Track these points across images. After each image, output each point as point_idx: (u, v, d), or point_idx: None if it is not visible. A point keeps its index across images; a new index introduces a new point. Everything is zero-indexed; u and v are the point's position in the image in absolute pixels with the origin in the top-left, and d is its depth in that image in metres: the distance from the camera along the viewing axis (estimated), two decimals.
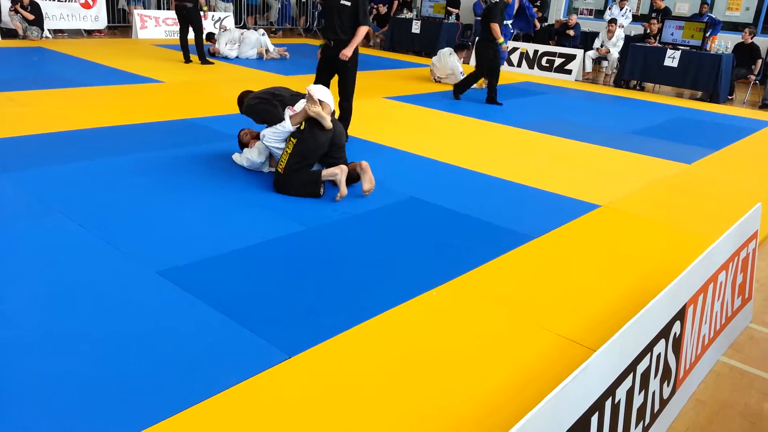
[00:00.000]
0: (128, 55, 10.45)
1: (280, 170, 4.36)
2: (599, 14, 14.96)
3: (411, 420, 2.23)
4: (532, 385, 2.47)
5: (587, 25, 14.20)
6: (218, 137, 5.77)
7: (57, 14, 12.41)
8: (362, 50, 13.62)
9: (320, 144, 4.33)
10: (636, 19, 13.83)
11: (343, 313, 2.88)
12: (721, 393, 2.62)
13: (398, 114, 7.54)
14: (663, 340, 2.10)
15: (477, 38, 9.01)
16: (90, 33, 13.08)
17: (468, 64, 11.94)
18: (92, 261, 3.21)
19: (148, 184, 4.40)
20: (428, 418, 2.25)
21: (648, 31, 11.44)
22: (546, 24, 14.36)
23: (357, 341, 2.68)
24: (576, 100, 9.58)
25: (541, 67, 12.09)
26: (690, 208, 4.77)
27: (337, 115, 4.94)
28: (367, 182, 4.35)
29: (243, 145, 5.03)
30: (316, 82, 5.90)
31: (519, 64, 12.27)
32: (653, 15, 12.21)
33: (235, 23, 14.64)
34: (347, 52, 5.62)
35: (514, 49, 12.26)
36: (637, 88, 11.26)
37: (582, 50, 11.97)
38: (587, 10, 15.72)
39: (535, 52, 12.17)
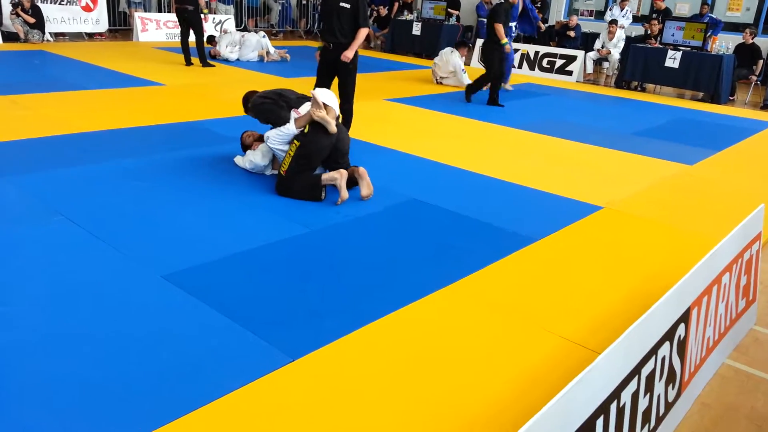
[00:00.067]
0: (129, 58, 10.46)
1: (282, 172, 4.36)
2: (600, 15, 14.97)
3: (414, 423, 2.23)
4: (536, 387, 2.46)
5: (588, 26, 14.20)
6: (220, 140, 5.77)
7: (58, 17, 12.43)
8: (363, 52, 13.62)
9: (323, 148, 4.34)
10: (636, 19, 13.83)
11: (346, 316, 2.87)
12: (727, 396, 2.61)
13: (399, 116, 7.54)
14: (667, 343, 2.10)
15: (483, 40, 8.95)
16: (91, 36, 13.10)
17: (469, 65, 11.94)
18: (95, 264, 3.20)
19: (150, 187, 4.40)
20: (432, 421, 2.24)
21: (649, 32, 11.44)
22: (546, 25, 14.36)
23: (360, 344, 2.68)
24: (577, 102, 9.58)
25: (542, 69, 12.09)
26: (692, 210, 4.76)
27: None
28: (365, 188, 4.35)
29: (245, 147, 5.02)
30: (316, 85, 5.90)
31: (520, 66, 12.26)
32: (654, 16, 12.20)
33: (236, 26, 14.65)
34: (348, 54, 5.61)
35: (515, 50, 12.26)
36: (638, 89, 11.25)
37: (583, 51, 11.97)
38: (588, 11, 15.73)
39: (536, 53, 12.17)
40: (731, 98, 10.75)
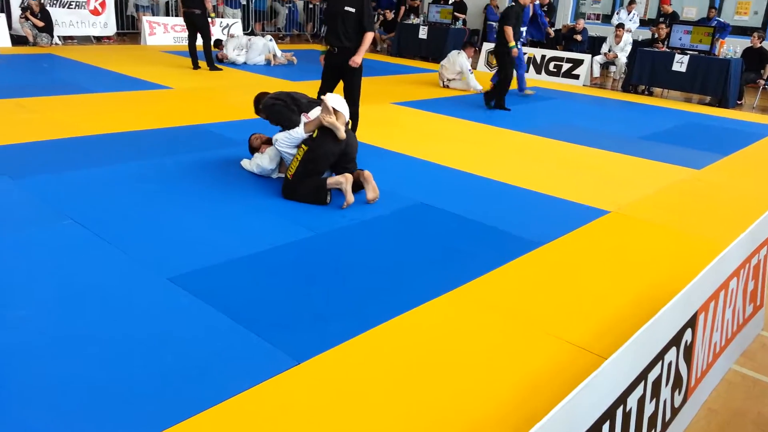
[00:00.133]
0: (137, 62, 10.52)
1: (288, 176, 4.37)
2: (606, 19, 14.95)
3: (418, 427, 2.22)
4: (541, 392, 2.46)
5: (595, 29, 14.18)
6: (227, 143, 5.79)
7: (66, 21, 12.51)
8: (369, 56, 13.65)
9: (331, 153, 4.35)
10: (643, 23, 13.80)
11: (352, 319, 2.87)
12: (733, 401, 2.60)
13: (405, 119, 7.55)
14: (674, 348, 2.09)
15: (494, 44, 8.89)
16: (99, 39, 13.18)
17: (476, 68, 11.93)
18: (102, 266, 3.22)
19: (157, 190, 4.41)
20: (436, 424, 2.24)
21: (656, 35, 11.41)
22: (553, 29, 14.35)
23: (365, 348, 2.68)
24: (584, 105, 9.56)
25: (549, 72, 12.07)
26: (700, 214, 4.74)
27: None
28: (371, 191, 4.36)
29: (253, 150, 5.04)
30: (321, 89, 5.92)
31: (526, 70, 12.24)
32: (661, 19, 12.18)
33: (243, 29, 14.71)
34: (357, 60, 5.63)
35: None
36: (646, 93, 11.22)
37: (589, 55, 11.95)
38: (594, 14, 15.71)
39: (543, 57, 12.16)
40: (739, 102, 10.70)
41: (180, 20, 12.19)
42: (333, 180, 4.29)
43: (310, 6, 16.99)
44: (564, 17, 15.51)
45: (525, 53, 12.21)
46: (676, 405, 2.22)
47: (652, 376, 1.93)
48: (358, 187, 4.42)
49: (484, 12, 16.29)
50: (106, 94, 7.74)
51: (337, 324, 2.83)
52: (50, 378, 2.33)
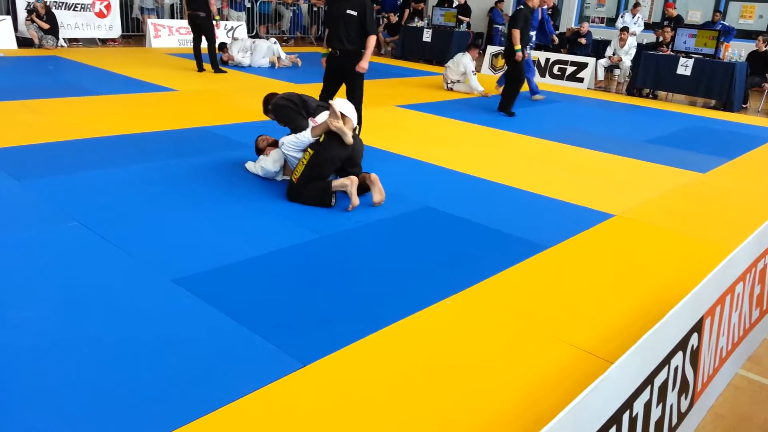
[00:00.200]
0: (142, 64, 10.55)
1: (294, 180, 4.37)
2: (611, 22, 14.94)
3: (424, 430, 2.22)
4: (547, 396, 2.45)
5: (599, 33, 14.18)
6: (231, 145, 5.80)
7: (72, 23, 12.56)
8: (373, 59, 13.65)
9: (338, 158, 4.35)
10: (648, 27, 13.79)
11: (356, 322, 2.87)
12: (740, 406, 2.58)
13: (410, 122, 7.55)
14: (680, 353, 2.08)
15: (504, 47, 8.83)
16: (104, 42, 13.22)
17: (479, 71, 11.93)
18: (107, 268, 3.22)
19: (162, 192, 4.42)
20: (442, 428, 2.23)
21: (661, 39, 11.39)
22: (557, 32, 14.36)
23: (370, 350, 2.67)
24: (588, 109, 9.55)
25: (553, 76, 12.07)
26: (705, 218, 4.73)
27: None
28: (377, 194, 4.36)
29: (259, 151, 5.05)
30: (323, 92, 5.93)
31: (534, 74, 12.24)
32: (665, 23, 12.17)
33: (248, 32, 14.74)
34: (364, 65, 5.68)
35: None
36: (650, 96, 11.21)
37: (594, 58, 11.94)
38: (599, 18, 15.71)
39: (547, 60, 12.15)
40: (744, 106, 10.68)
41: (185, 23, 12.23)
42: (338, 183, 4.29)
43: (315, 9, 17.03)
44: (568, 20, 15.51)
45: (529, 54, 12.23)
46: (683, 410, 2.21)
47: (658, 380, 1.93)
48: (363, 189, 4.42)
49: (489, 15, 16.31)
50: (111, 96, 7.76)
51: (342, 326, 2.83)
52: (54, 380, 2.33)
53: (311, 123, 4.43)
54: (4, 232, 3.56)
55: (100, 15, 12.97)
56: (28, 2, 11.69)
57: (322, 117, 4.44)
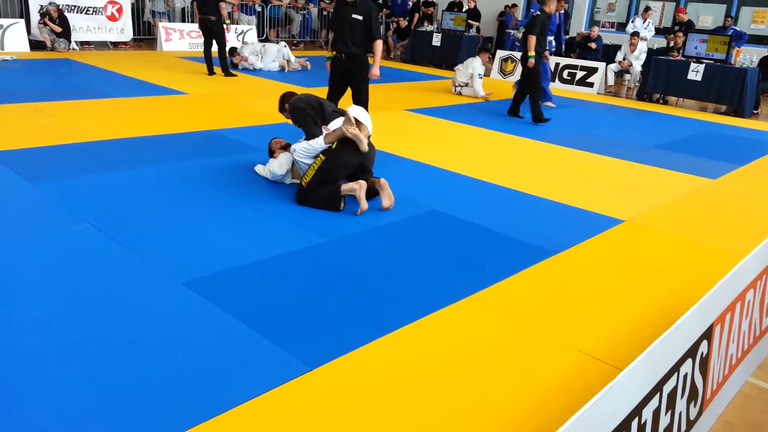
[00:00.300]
0: (153, 67, 10.62)
1: (303, 183, 4.39)
2: (621, 27, 14.91)
3: None
4: (555, 402, 2.44)
5: (609, 37, 14.15)
6: (242, 148, 5.83)
7: (84, 26, 12.68)
8: (382, 63, 13.68)
9: (349, 165, 4.36)
10: (658, 32, 13.74)
11: (365, 326, 2.88)
12: (750, 414, 2.57)
13: (419, 126, 7.56)
14: (690, 360, 2.07)
15: (521, 53, 8.74)
16: (116, 45, 13.33)
17: (489, 75, 11.93)
18: (118, 270, 3.25)
19: (173, 195, 4.45)
20: None
21: (673, 44, 11.36)
22: (567, 37, 14.33)
23: (378, 354, 2.68)
24: (598, 114, 9.53)
25: (563, 80, 12.05)
26: (716, 225, 4.70)
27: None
28: (386, 199, 4.36)
29: (272, 153, 5.08)
30: (328, 95, 5.96)
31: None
32: (676, 28, 12.13)
33: (258, 36, 14.81)
34: (376, 72, 5.76)
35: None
36: (660, 101, 11.16)
37: (604, 63, 11.91)
38: (609, 22, 15.67)
39: (557, 65, 12.13)
40: (755, 112, 10.62)
41: (195, 26, 12.31)
42: (347, 187, 4.30)
43: (324, 13, 17.09)
44: (578, 25, 15.48)
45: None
46: (692, 417, 2.20)
47: (667, 387, 1.92)
48: (372, 194, 4.42)
49: (499, 19, 16.31)
50: (122, 99, 7.82)
51: (351, 330, 2.84)
52: (63, 380, 2.35)
53: (324, 131, 4.44)
54: (17, 234, 3.60)
55: (112, 18, 13.08)
56: (41, 5, 11.80)
57: (337, 123, 4.44)
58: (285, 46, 11.78)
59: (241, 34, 14.08)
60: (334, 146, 4.33)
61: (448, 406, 2.37)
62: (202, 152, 5.62)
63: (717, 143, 7.86)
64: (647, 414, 1.80)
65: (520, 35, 12.83)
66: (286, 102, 4.90)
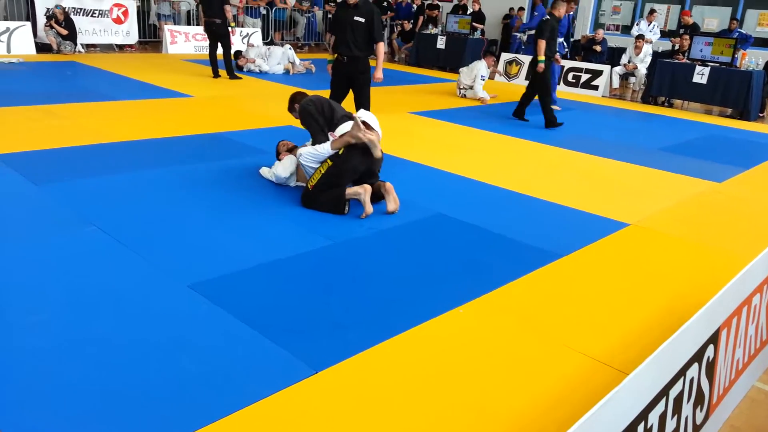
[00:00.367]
0: (158, 70, 10.65)
1: (309, 187, 4.39)
2: (626, 30, 14.88)
3: None
4: (560, 406, 2.44)
5: (614, 40, 14.13)
6: (247, 151, 5.84)
7: (90, 29, 12.73)
8: (387, 66, 13.71)
9: (356, 170, 4.36)
10: (663, 34, 13.71)
11: (369, 329, 2.87)
12: (756, 419, 2.56)
13: (424, 129, 7.56)
14: (696, 364, 2.06)
15: (531, 57, 8.69)
16: (121, 48, 13.38)
17: (493, 78, 11.92)
18: (123, 273, 3.25)
19: (178, 197, 4.46)
20: None
21: (678, 47, 11.34)
22: (572, 39, 14.32)
23: (383, 357, 2.68)
24: (603, 117, 9.51)
25: (567, 83, 12.04)
26: (722, 228, 4.69)
27: None
28: (392, 203, 4.36)
29: (279, 155, 5.08)
30: (331, 98, 5.96)
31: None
32: (681, 31, 12.10)
33: (263, 39, 14.84)
34: (379, 75, 5.77)
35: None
36: (665, 104, 11.14)
37: (609, 66, 11.90)
38: (614, 25, 15.65)
39: (562, 67, 12.12)
40: (761, 115, 10.59)
41: (201, 29, 12.33)
42: (352, 191, 4.30)
43: (329, 16, 17.11)
44: (583, 28, 15.47)
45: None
46: (698, 422, 2.19)
47: (673, 392, 1.91)
48: (377, 198, 4.42)
49: (503, 22, 16.31)
50: (127, 101, 7.84)
51: (355, 333, 2.83)
52: (67, 382, 2.35)
53: (331, 137, 4.42)
54: (22, 236, 3.61)
55: (118, 21, 13.13)
56: (47, 8, 11.86)
57: (345, 127, 4.41)
58: (290, 48, 11.80)
59: (246, 37, 14.12)
60: (341, 152, 4.34)
61: (452, 410, 2.37)
62: (207, 155, 5.63)
63: (722, 146, 7.83)
64: (653, 418, 1.79)
65: (525, 38, 12.83)
66: (296, 102, 4.88)
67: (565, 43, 10.25)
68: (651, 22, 13.05)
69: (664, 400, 1.85)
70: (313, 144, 4.58)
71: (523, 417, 2.36)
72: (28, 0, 12.24)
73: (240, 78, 10.40)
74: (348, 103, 6.05)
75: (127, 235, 3.71)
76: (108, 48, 13.22)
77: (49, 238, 3.62)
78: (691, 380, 2.05)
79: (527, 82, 8.87)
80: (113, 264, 3.34)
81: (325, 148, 4.38)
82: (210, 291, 3.11)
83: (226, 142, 6.19)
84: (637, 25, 13.39)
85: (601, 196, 5.26)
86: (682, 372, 1.95)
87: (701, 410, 2.20)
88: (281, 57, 11.55)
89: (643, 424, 1.73)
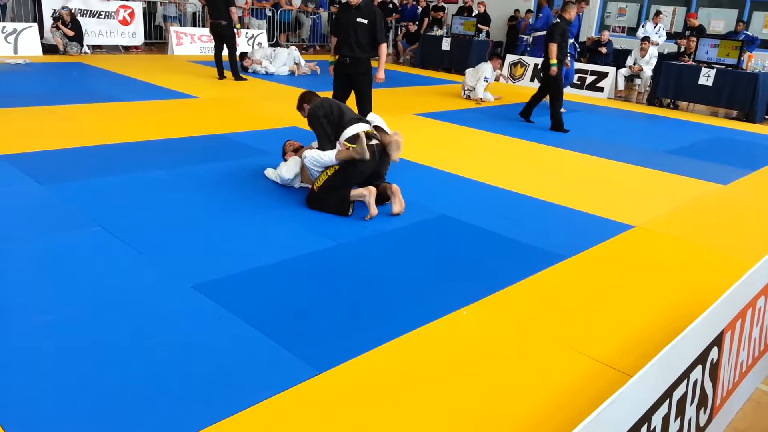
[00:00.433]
0: (164, 71, 10.69)
1: (314, 188, 4.40)
2: (632, 32, 14.85)
3: None
4: (564, 408, 2.44)
5: (620, 42, 14.09)
6: (251, 152, 5.86)
7: (96, 30, 12.79)
8: (392, 67, 13.73)
9: (362, 174, 4.36)
10: (669, 36, 13.68)
11: (374, 330, 2.88)
12: (760, 421, 2.55)
13: (428, 131, 7.56)
14: (700, 367, 2.06)
15: (542, 60, 8.64)
16: (127, 49, 13.43)
17: (498, 80, 11.92)
18: (128, 273, 3.27)
19: (183, 198, 4.47)
20: None
21: (684, 49, 11.31)
22: (578, 41, 14.30)
23: (386, 359, 2.68)
24: (608, 119, 9.50)
25: (573, 85, 12.00)
26: (726, 231, 4.67)
27: None
28: (397, 205, 4.37)
29: (285, 155, 5.09)
30: (333, 98, 5.97)
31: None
32: (687, 33, 12.07)
33: (268, 40, 14.88)
34: (381, 75, 5.77)
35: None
36: (671, 106, 11.12)
37: (614, 68, 11.87)
38: (620, 27, 15.62)
39: (572, 71, 12.10)
40: (767, 117, 10.55)
41: (206, 31, 12.38)
42: (356, 192, 4.31)
43: (335, 18, 17.15)
44: (589, 29, 15.44)
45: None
46: (701, 424, 2.19)
47: (677, 394, 1.91)
48: (382, 199, 4.43)
49: (509, 24, 16.30)
50: (133, 102, 7.87)
51: (359, 334, 2.84)
52: (72, 382, 2.37)
53: (338, 146, 4.39)
54: (27, 237, 3.63)
55: (124, 23, 13.18)
56: (54, 10, 11.92)
57: (354, 129, 4.39)
58: (295, 50, 11.83)
59: (252, 39, 14.15)
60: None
61: (456, 411, 2.37)
62: (212, 156, 5.65)
63: (728, 149, 7.81)
64: (657, 420, 1.79)
65: (531, 39, 12.82)
66: (305, 102, 4.81)
67: (576, 44, 10.22)
68: (657, 24, 13.02)
69: (667, 403, 1.85)
70: (319, 147, 4.58)
71: (527, 419, 2.36)
72: (34, 1, 12.31)
73: (245, 79, 10.42)
74: (349, 104, 6.06)
75: (131, 236, 3.72)
76: (114, 49, 13.28)
77: (54, 238, 3.64)
78: (695, 382, 2.05)
79: (532, 83, 8.86)
80: (118, 264, 3.36)
81: (329, 157, 4.37)
82: (214, 292, 3.12)
83: (231, 143, 6.20)
84: (643, 26, 13.36)
85: (606, 198, 5.26)
86: (685, 374, 1.95)
87: (705, 413, 2.20)
88: (286, 58, 11.57)
89: (646, 426, 1.73)
